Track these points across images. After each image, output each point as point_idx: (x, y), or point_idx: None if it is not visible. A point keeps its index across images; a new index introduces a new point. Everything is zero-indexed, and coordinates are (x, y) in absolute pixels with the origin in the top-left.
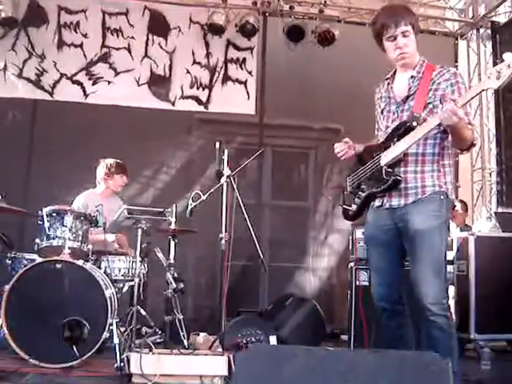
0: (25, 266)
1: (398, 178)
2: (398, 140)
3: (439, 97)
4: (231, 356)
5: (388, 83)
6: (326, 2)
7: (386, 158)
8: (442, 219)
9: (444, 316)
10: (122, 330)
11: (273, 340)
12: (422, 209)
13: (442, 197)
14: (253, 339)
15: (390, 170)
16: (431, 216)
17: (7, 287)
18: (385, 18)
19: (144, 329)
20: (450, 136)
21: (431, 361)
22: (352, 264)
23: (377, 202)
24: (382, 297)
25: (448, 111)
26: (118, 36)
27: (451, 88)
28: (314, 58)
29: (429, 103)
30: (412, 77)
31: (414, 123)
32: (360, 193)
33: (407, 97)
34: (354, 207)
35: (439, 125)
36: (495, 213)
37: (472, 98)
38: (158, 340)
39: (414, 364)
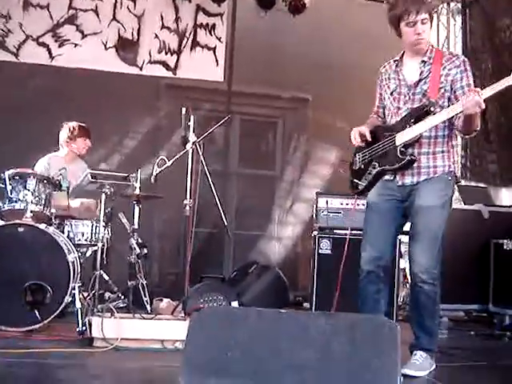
0: None
1: (413, 157)
2: (415, 123)
3: (450, 82)
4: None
5: (397, 65)
6: None
7: (402, 138)
8: (447, 197)
9: (431, 284)
10: (85, 294)
11: (234, 305)
12: (431, 187)
13: (450, 177)
14: (215, 304)
15: (404, 149)
16: (438, 195)
17: None
18: (407, 4)
19: (107, 294)
20: (460, 121)
21: (381, 324)
22: (315, 233)
23: (388, 176)
24: (371, 260)
25: (473, 101)
26: None
27: (461, 75)
28: (285, 27)
29: (441, 87)
30: (423, 61)
31: (432, 108)
32: (371, 169)
33: (419, 80)
34: (364, 182)
35: (460, 112)
36: (458, 185)
37: (497, 91)
38: (121, 305)
39: (365, 326)
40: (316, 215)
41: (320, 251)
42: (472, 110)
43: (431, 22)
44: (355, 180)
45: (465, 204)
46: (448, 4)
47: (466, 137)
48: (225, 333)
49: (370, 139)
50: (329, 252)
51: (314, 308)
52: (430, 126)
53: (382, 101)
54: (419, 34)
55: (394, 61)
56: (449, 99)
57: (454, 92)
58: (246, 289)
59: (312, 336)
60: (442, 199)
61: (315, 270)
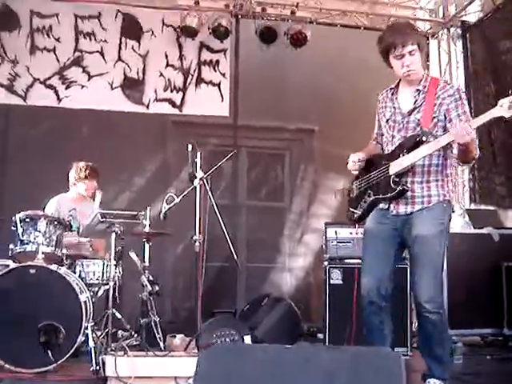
0: None
1: (405, 188)
2: (408, 152)
3: (444, 111)
4: None
5: (392, 93)
6: (297, 3)
7: (395, 168)
8: (444, 226)
9: (437, 313)
10: (98, 333)
11: (247, 340)
12: (427, 216)
13: (445, 205)
14: (227, 339)
15: (397, 179)
16: (434, 223)
17: None
18: (393, 37)
19: (120, 332)
20: (455, 150)
21: (385, 355)
22: (326, 263)
23: (382, 205)
24: (371, 289)
25: (463, 130)
26: (90, 39)
27: (455, 103)
28: (287, 60)
29: (434, 117)
30: (417, 90)
31: (424, 138)
32: (366, 197)
33: (413, 109)
34: (359, 210)
35: (450, 145)
36: (467, 210)
37: (483, 123)
38: (134, 343)
39: (369, 358)
40: (326, 245)
41: (331, 281)
42: (461, 139)
43: (421, 51)
44: (351, 208)
45: (474, 228)
46: (448, 30)
47: (465, 165)
48: (231, 368)
49: (363, 165)
50: (340, 282)
51: (327, 338)
52: (423, 155)
53: (380, 128)
54: (408, 66)
55: (391, 89)
56: (444, 128)
57: (450, 121)
58: (258, 322)
59: (315, 369)
60: (438, 227)
61: (327, 300)
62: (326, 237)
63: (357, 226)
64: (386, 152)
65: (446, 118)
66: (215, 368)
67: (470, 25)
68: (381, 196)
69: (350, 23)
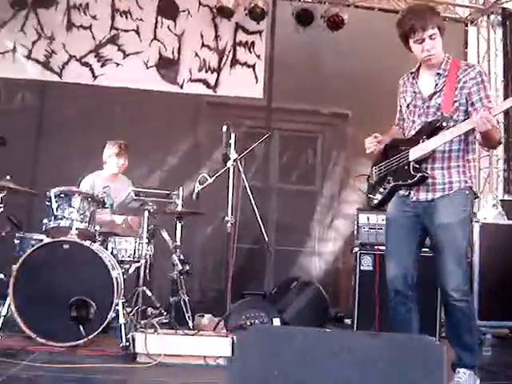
0: (32, 247)
1: (425, 174)
2: (428, 138)
3: (465, 95)
4: (235, 337)
5: (413, 77)
6: None
7: (415, 154)
8: (466, 213)
9: (465, 301)
10: (128, 310)
11: (276, 322)
12: (449, 203)
13: (467, 192)
14: (256, 321)
15: (417, 165)
16: (456, 211)
17: (15, 267)
18: (412, 21)
19: (150, 310)
20: (478, 136)
21: (428, 344)
22: (356, 249)
23: (402, 192)
24: (397, 278)
25: (484, 119)
26: (127, 18)
27: (477, 87)
28: (323, 43)
29: (455, 101)
30: (438, 74)
31: (444, 123)
32: (386, 184)
33: (433, 93)
34: (378, 196)
35: (472, 129)
36: (501, 200)
37: (506, 109)
38: (164, 321)
39: (411, 346)
40: (357, 231)
41: (361, 268)
42: (483, 127)
43: (442, 34)
44: (370, 195)
45: (508, 219)
46: (488, 16)
47: (490, 150)
48: (271, 352)
49: (381, 147)
50: (370, 268)
51: (355, 325)
52: (443, 141)
53: (402, 113)
54: (428, 51)
55: (411, 73)
56: (466, 112)
57: (473, 104)
58: (287, 305)
59: (357, 356)
60: (461, 215)
61: (356, 286)
62: (357, 222)
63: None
64: (406, 137)
65: (467, 101)
66: (254, 350)
67: (510, 12)
68: (400, 182)
69: (388, 7)
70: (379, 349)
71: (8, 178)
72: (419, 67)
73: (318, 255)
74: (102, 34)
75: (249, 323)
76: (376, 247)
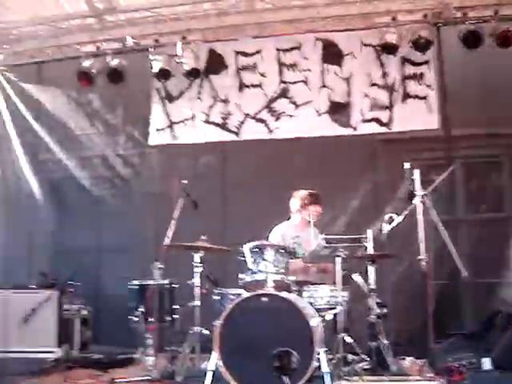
0: (231, 301)
1: None
2: None
3: None
4: (443, 380)
5: None
6: (501, 1)
7: None
8: None
9: None
10: (329, 357)
11: (486, 363)
12: None
13: None
14: (464, 362)
15: None
16: None
17: (219, 322)
18: None
19: (350, 356)
20: None
21: None
22: None
23: None
24: None
25: None
26: (294, 70)
27: None
28: (495, 62)
29: None
30: None
31: None
32: None
33: None
34: None
35: None
36: None
37: None
38: (365, 367)
39: None
40: None
41: None
42: None
43: None
44: None
45: None
46: None
47: None
48: None
49: None
50: None
51: None
52: None
53: None
54: None
55: None
56: None
57: None
58: (494, 343)
59: None
60: None
61: None
62: None
63: None
64: None
65: None
66: None
67: None
68: None
69: None
70: None
71: (203, 237)
72: None
73: None
74: (273, 89)
75: (457, 364)
76: None
